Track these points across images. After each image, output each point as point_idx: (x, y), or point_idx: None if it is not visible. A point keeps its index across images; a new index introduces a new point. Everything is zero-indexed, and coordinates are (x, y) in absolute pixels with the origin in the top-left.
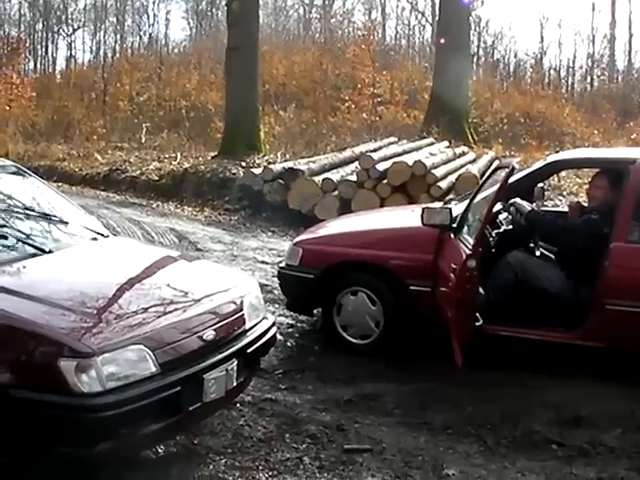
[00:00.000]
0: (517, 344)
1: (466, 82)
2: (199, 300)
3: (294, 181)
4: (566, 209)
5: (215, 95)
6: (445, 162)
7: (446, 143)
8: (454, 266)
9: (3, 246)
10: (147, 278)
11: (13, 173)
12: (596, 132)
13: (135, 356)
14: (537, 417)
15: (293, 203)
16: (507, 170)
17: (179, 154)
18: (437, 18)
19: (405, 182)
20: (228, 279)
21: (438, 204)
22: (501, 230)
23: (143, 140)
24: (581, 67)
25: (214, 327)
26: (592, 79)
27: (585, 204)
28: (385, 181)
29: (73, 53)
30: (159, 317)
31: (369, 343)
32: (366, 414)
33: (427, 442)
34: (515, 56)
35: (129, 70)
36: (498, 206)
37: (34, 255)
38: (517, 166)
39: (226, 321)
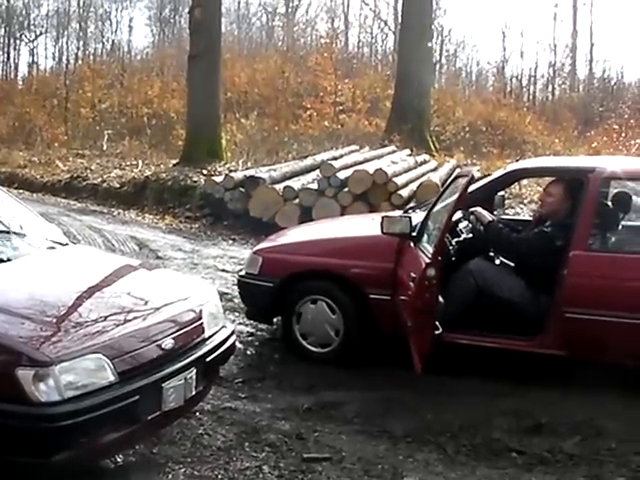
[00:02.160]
0: (479, 352)
1: (428, 90)
2: (158, 309)
3: (255, 189)
4: (527, 217)
5: (177, 102)
6: (406, 170)
7: (407, 151)
8: (414, 275)
9: None
10: (106, 287)
11: None
12: (557, 141)
13: (93, 365)
14: (497, 425)
15: (254, 211)
16: (467, 178)
17: (140, 162)
18: (399, 27)
19: (366, 190)
20: (187, 287)
21: (398, 212)
22: (461, 239)
23: (104, 147)
24: (543, 76)
25: (173, 336)
26: (553, 88)
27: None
28: (346, 189)
29: (35, 59)
30: (118, 326)
31: (329, 352)
32: (326, 422)
33: (387, 450)
34: (477, 65)
35: (91, 77)
36: (458, 214)
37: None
38: (477, 174)
39: (185, 330)
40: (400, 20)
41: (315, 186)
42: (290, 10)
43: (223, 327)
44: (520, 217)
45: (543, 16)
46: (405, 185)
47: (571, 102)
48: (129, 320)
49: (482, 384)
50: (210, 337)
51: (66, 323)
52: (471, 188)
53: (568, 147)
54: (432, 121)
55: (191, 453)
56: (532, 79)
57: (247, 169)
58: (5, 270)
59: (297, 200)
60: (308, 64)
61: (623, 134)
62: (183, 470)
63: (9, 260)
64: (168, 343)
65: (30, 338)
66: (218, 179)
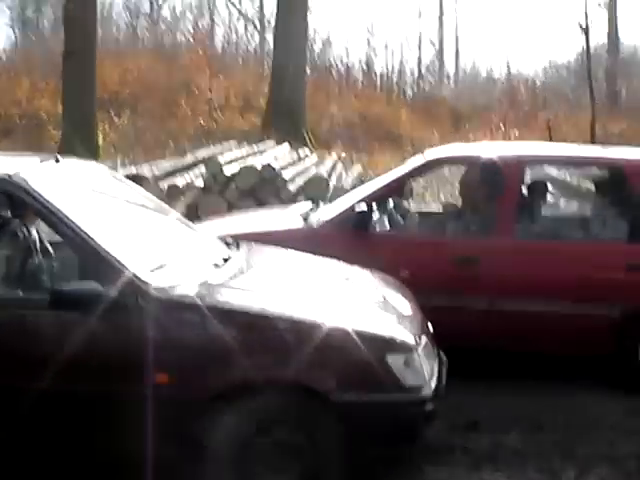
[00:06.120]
0: None
1: (303, 86)
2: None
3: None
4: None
5: (48, 102)
6: (291, 165)
7: (287, 147)
8: None
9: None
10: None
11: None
12: (434, 134)
13: (427, 347)
14: None
15: None
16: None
17: None
18: (274, 24)
19: (253, 185)
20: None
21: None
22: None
23: None
24: (412, 73)
25: (428, 323)
26: (421, 84)
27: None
28: (233, 186)
29: None
30: (413, 313)
31: None
32: None
33: None
34: (346, 60)
35: None
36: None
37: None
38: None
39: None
40: (275, 17)
41: (200, 183)
42: (154, 8)
43: None
44: (432, 210)
45: (408, 13)
46: (292, 179)
47: (440, 96)
48: (405, 308)
49: None
50: None
51: (398, 312)
52: (387, 177)
53: (445, 141)
54: (307, 117)
55: None
56: (401, 75)
57: (124, 167)
58: (250, 271)
59: (182, 198)
60: (180, 62)
61: (502, 127)
62: None
63: (228, 259)
64: (431, 328)
65: (391, 327)
66: None
